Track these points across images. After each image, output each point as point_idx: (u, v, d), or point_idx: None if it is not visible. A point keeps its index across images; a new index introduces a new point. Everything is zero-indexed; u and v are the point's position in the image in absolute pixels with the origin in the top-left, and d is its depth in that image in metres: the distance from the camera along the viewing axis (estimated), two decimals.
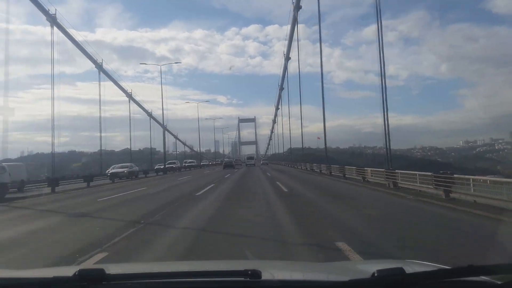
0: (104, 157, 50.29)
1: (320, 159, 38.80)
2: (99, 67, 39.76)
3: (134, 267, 3.08)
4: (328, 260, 4.74)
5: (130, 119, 48.21)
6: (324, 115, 33.08)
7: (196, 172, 43.97)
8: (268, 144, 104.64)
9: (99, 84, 39.94)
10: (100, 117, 40.98)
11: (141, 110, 51.43)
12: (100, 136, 42.53)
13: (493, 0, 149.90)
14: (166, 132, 56.19)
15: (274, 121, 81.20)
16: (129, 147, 51.22)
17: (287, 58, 50.71)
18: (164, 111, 49.44)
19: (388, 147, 21.30)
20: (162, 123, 53.31)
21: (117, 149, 71.13)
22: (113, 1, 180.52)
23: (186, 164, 61.48)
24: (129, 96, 46.93)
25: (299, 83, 45.31)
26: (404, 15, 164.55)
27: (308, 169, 39.51)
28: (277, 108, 71.13)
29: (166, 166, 50.35)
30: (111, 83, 42.92)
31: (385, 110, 20.69)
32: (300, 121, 48.50)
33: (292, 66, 53.02)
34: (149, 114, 52.55)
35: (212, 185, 20.46)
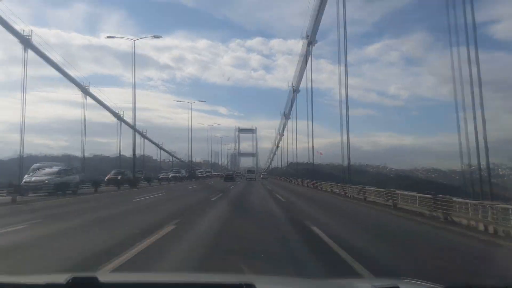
0: (95, 162, 48.56)
1: (320, 175, 37.99)
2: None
3: (130, 276, 3.10)
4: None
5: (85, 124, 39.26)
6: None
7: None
8: (271, 159, 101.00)
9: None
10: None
11: (143, 118, 49.04)
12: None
13: (495, 26, 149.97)
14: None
15: (277, 146, 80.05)
16: (123, 153, 49.03)
17: (296, 91, 50.67)
18: (164, 119, 46.81)
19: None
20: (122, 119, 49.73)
21: (113, 155, 68.42)
22: (118, 8, 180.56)
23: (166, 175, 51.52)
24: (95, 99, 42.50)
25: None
26: (406, 35, 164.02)
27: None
28: (281, 135, 70.40)
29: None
30: (110, 88, 40.94)
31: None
32: (301, 136, 49.52)
33: (295, 82, 52.54)
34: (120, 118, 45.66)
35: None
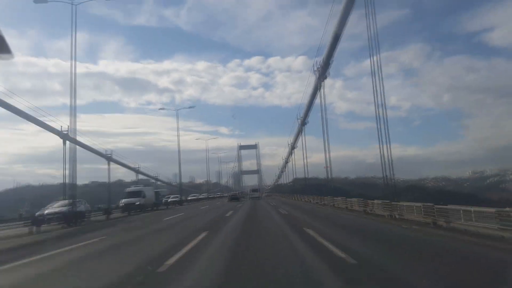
0: (97, 189, 47.30)
1: (327, 190, 36.56)
2: None
3: None
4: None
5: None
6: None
7: None
8: (279, 177, 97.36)
9: None
10: None
11: (144, 142, 48.55)
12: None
13: (490, 33, 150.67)
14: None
15: (282, 169, 78.45)
16: (122, 179, 47.81)
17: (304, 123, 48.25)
18: (165, 142, 45.53)
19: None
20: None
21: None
22: (116, 34, 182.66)
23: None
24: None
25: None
26: (403, 46, 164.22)
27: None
28: (286, 161, 68.98)
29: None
30: (112, 114, 40.78)
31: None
32: (304, 151, 48.52)
33: (294, 98, 51.83)
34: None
35: None
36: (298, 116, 48.24)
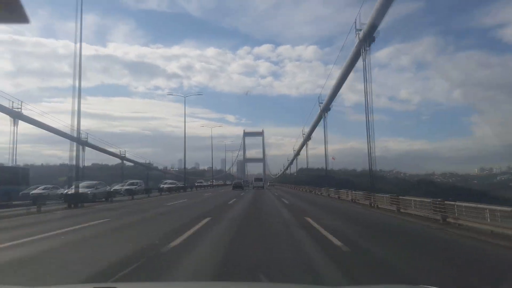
0: (97, 172, 46.38)
1: (336, 181, 35.58)
2: None
3: (147, 286, 3.29)
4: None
5: None
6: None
7: None
8: (286, 168, 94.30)
9: None
10: None
11: (151, 127, 47.13)
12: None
13: (503, 29, 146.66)
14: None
15: (292, 160, 75.98)
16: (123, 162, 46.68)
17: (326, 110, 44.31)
18: (172, 128, 43.75)
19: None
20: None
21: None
22: (126, 18, 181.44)
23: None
24: None
25: None
26: (417, 39, 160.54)
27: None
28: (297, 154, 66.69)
29: None
30: (120, 98, 39.51)
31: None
32: (312, 142, 46.46)
33: (303, 88, 50.12)
34: None
35: None
36: (319, 100, 44.23)
